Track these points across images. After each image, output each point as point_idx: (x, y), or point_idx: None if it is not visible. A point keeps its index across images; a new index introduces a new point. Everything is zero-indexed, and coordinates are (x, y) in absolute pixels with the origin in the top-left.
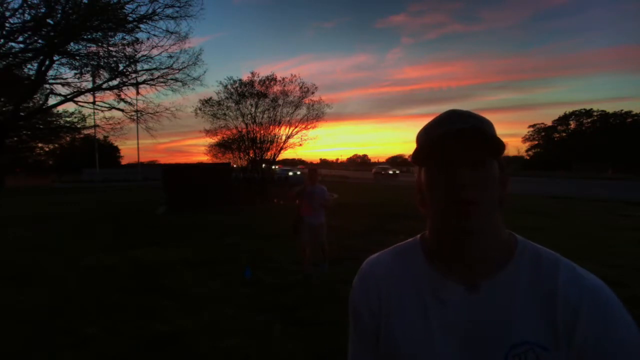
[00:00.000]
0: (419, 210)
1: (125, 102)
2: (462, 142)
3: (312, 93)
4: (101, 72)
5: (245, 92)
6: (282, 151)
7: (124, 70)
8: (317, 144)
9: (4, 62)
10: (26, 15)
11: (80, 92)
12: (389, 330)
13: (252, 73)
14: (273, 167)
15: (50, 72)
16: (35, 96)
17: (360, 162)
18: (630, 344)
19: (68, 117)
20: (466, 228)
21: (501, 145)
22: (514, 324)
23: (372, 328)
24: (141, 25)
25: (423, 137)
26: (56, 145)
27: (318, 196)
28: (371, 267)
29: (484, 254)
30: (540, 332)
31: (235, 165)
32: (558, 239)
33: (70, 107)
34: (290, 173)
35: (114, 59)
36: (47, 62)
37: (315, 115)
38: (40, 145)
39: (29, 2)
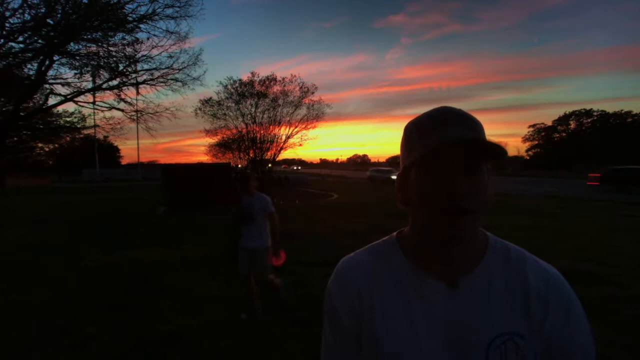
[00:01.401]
0: (399, 207)
1: (125, 102)
2: (463, 152)
3: (312, 93)
4: (101, 72)
5: (245, 92)
6: (282, 151)
7: (124, 70)
8: (317, 144)
9: (4, 62)
10: (26, 15)
11: (80, 92)
12: (372, 330)
13: (252, 73)
14: (296, 167)
15: (50, 72)
16: (35, 96)
17: (360, 162)
18: (585, 332)
19: (68, 117)
20: (457, 236)
21: (503, 153)
22: (494, 316)
23: (352, 330)
24: (141, 25)
25: (415, 137)
26: (56, 145)
27: (257, 210)
28: (349, 267)
29: (465, 254)
30: (517, 322)
31: (241, 166)
32: (558, 239)
33: (70, 107)
34: (394, 176)
35: (114, 59)
36: (47, 62)
37: (315, 115)
38: (40, 145)
39: (29, 2)
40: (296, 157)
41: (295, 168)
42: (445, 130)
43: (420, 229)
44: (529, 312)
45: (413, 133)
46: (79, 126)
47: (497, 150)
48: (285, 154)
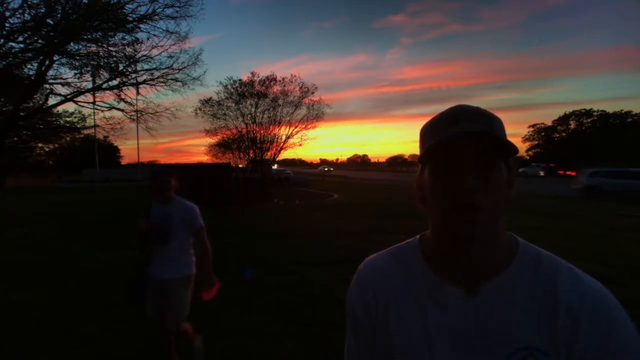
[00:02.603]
0: (418, 208)
1: (125, 102)
2: (472, 145)
3: (312, 93)
4: (101, 72)
5: (245, 92)
6: (282, 151)
7: (124, 70)
8: (317, 144)
9: (4, 62)
10: (26, 15)
11: (80, 92)
12: (387, 332)
13: (252, 73)
14: (327, 168)
15: (50, 72)
16: (35, 96)
17: (360, 162)
18: (632, 349)
19: (68, 117)
20: (469, 233)
21: (513, 149)
22: (514, 328)
23: (369, 329)
24: (141, 25)
25: (429, 135)
26: (56, 145)
27: (178, 224)
28: (369, 268)
29: (485, 257)
30: (540, 336)
31: (242, 166)
32: (558, 239)
33: (70, 107)
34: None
35: (114, 59)
36: (47, 62)
37: (315, 115)
38: (40, 145)
39: (29, 2)
40: (296, 157)
41: (326, 169)
42: (456, 127)
43: (435, 228)
44: (556, 327)
45: (427, 132)
46: (79, 126)
47: (507, 145)
48: (285, 154)
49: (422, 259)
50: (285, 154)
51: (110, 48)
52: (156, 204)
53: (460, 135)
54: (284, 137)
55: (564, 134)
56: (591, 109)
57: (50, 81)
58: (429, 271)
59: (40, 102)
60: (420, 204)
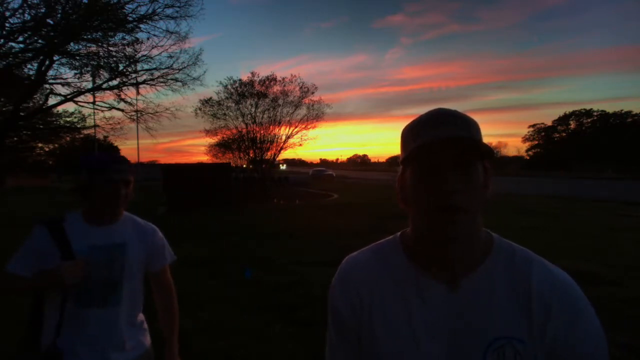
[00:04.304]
0: (400, 207)
1: (125, 102)
2: (452, 148)
3: (312, 93)
4: (101, 72)
5: (245, 92)
6: (282, 151)
7: (124, 70)
8: (317, 144)
9: (4, 62)
10: (26, 15)
11: (80, 92)
12: (371, 329)
13: (252, 73)
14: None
15: (50, 72)
16: (35, 96)
17: (360, 162)
18: (594, 338)
19: (68, 117)
20: (452, 234)
21: (490, 151)
22: (493, 319)
23: (353, 327)
24: (141, 25)
25: (410, 138)
26: (56, 145)
27: (135, 260)
28: (351, 265)
29: (466, 255)
30: (517, 326)
31: (245, 166)
32: (557, 239)
33: (70, 107)
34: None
35: (114, 59)
36: (47, 62)
37: (315, 115)
38: (40, 145)
39: (29, 2)
40: (296, 157)
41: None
42: (436, 131)
43: (417, 228)
44: (530, 316)
45: (408, 135)
46: (79, 126)
47: (484, 147)
48: (286, 154)
49: (404, 257)
50: (285, 154)
51: (110, 48)
52: (83, 225)
53: (441, 138)
54: (284, 137)
55: (564, 134)
56: (591, 109)
57: (50, 81)
58: (412, 269)
59: (40, 102)
60: (402, 204)
